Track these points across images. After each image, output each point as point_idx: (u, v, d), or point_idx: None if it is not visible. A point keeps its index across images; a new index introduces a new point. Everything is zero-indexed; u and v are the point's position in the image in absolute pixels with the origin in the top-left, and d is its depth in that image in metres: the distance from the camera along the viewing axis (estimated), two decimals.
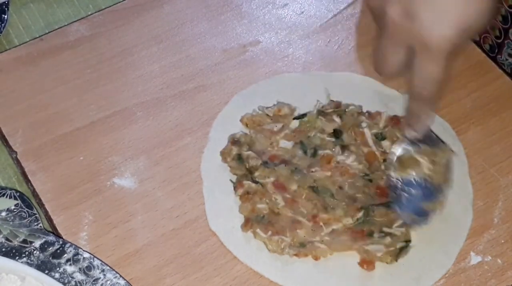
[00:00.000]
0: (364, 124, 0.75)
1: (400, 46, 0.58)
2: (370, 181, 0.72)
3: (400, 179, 0.67)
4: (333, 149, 0.74)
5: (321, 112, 0.76)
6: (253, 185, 0.71)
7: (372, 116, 0.76)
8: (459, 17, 0.55)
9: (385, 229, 0.69)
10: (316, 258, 0.68)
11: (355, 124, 0.75)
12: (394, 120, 0.76)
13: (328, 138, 0.75)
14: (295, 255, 0.68)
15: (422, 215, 0.68)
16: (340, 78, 0.81)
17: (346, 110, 0.77)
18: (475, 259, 0.69)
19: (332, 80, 0.80)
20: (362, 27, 0.86)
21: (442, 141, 0.68)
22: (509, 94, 0.80)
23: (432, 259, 0.69)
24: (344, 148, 0.74)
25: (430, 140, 0.66)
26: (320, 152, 0.74)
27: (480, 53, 0.83)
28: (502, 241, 0.71)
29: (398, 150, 0.67)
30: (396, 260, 0.68)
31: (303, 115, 0.77)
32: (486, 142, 0.77)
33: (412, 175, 0.66)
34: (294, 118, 0.76)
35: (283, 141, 0.75)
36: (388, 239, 0.68)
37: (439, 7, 0.55)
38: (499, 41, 0.86)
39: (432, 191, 0.67)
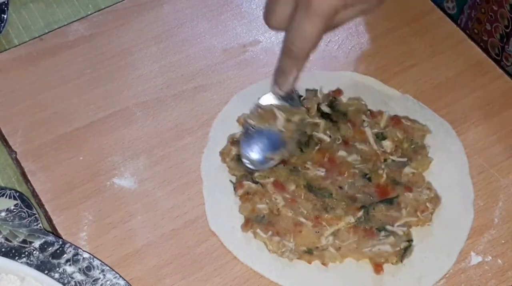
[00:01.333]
0: (365, 124, 0.75)
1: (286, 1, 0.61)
2: (369, 180, 0.72)
3: (254, 126, 0.71)
4: (330, 137, 0.74)
5: (300, 97, 0.77)
6: (253, 185, 0.71)
7: (373, 115, 0.76)
8: None
9: (388, 227, 0.69)
10: (324, 264, 0.68)
11: (353, 114, 0.76)
12: (395, 120, 0.76)
13: (319, 120, 0.75)
14: (298, 258, 0.68)
15: (262, 162, 0.71)
16: (340, 78, 0.81)
17: (344, 100, 0.78)
18: (475, 259, 0.69)
19: (332, 79, 0.80)
20: (363, 27, 0.86)
21: (302, 105, 0.73)
22: (509, 94, 0.80)
23: (433, 259, 0.69)
24: (346, 144, 0.74)
25: (292, 100, 0.70)
26: (316, 135, 0.74)
27: (480, 53, 0.83)
28: (503, 241, 0.70)
29: (262, 100, 0.70)
30: (402, 261, 0.68)
31: None
32: (487, 142, 0.77)
33: (266, 125, 0.70)
34: None
35: None
36: (392, 238, 0.68)
37: None
38: (508, 30, 0.86)
39: (278, 144, 0.71)
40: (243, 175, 0.72)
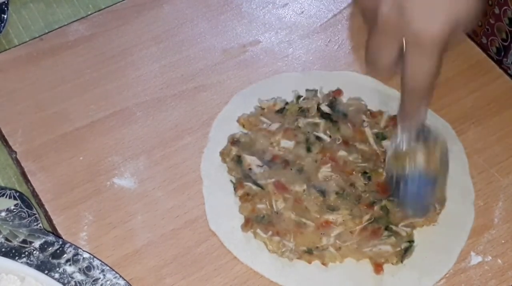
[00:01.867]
0: (365, 124, 0.75)
1: (392, 41, 0.59)
2: (369, 178, 0.72)
3: (398, 174, 0.67)
4: (330, 137, 0.74)
5: (299, 97, 0.77)
6: (254, 186, 0.71)
7: (373, 115, 0.76)
8: (449, 12, 0.57)
9: (393, 227, 0.69)
10: (324, 264, 0.68)
11: (353, 114, 0.76)
12: (395, 120, 0.76)
13: (319, 120, 0.75)
14: (298, 258, 0.68)
15: (423, 207, 0.69)
16: (340, 78, 0.81)
17: (344, 101, 0.77)
18: (475, 259, 0.69)
19: (332, 79, 0.80)
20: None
21: (433, 133, 0.69)
22: (509, 94, 0.80)
23: (434, 259, 0.69)
24: (346, 144, 0.74)
25: (424, 134, 0.67)
26: (317, 135, 0.74)
27: (480, 53, 0.83)
28: (503, 241, 0.70)
29: (393, 146, 0.68)
30: (402, 261, 0.68)
31: (285, 105, 0.77)
32: (487, 142, 0.77)
33: (409, 168, 0.67)
34: (276, 112, 0.76)
35: (285, 141, 0.75)
36: (393, 239, 0.68)
37: (429, 2, 0.57)
38: (506, 43, 0.86)
39: (430, 182, 0.68)
40: (244, 175, 0.72)
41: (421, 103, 0.63)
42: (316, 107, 0.76)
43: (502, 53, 0.85)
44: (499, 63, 0.84)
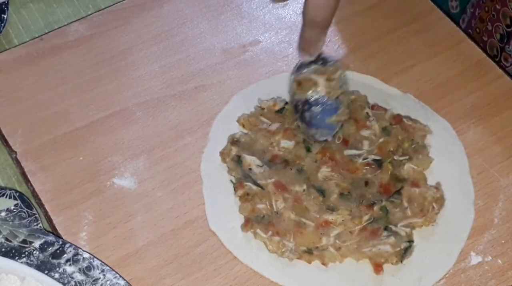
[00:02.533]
0: (371, 118, 0.75)
1: None
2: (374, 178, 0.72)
3: (302, 100, 0.70)
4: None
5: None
6: (254, 187, 0.71)
7: (374, 108, 0.76)
8: None
9: (392, 227, 0.69)
10: (324, 264, 0.68)
11: (355, 110, 0.76)
12: (397, 119, 0.76)
13: None
14: (298, 258, 0.68)
15: (329, 129, 0.72)
16: None
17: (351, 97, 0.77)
18: (475, 259, 0.69)
19: None
20: (363, 26, 0.86)
21: (331, 60, 0.72)
22: (509, 94, 0.80)
23: (434, 259, 0.69)
24: (346, 143, 0.74)
25: (323, 61, 0.70)
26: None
27: (480, 53, 0.83)
28: (503, 241, 0.70)
29: (296, 74, 0.71)
30: (402, 261, 0.68)
31: (285, 105, 0.77)
32: (487, 142, 0.77)
33: (312, 94, 0.70)
34: (276, 112, 0.76)
35: (285, 141, 0.75)
36: (392, 239, 0.68)
37: None
38: (510, 30, 0.85)
39: (333, 106, 0.70)
40: (244, 175, 0.72)
41: (321, 33, 0.67)
42: None
43: (505, 40, 0.84)
44: (501, 50, 0.84)
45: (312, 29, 0.67)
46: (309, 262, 0.68)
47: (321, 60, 0.70)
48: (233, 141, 0.74)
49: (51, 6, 0.88)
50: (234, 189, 0.72)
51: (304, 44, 0.69)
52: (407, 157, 0.73)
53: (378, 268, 0.68)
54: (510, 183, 0.74)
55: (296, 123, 0.75)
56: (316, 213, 0.70)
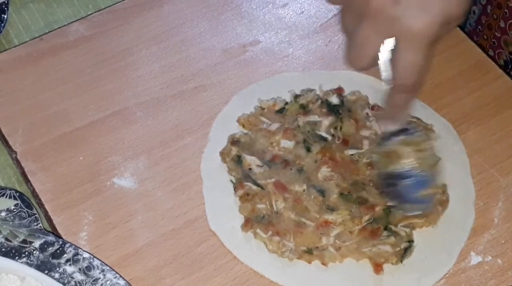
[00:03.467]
0: (371, 118, 0.75)
1: (382, 35, 0.58)
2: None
3: (390, 172, 0.67)
4: (333, 136, 0.74)
5: (297, 96, 0.77)
6: (254, 187, 0.71)
7: (376, 109, 0.76)
8: (442, 5, 0.57)
9: (392, 227, 0.69)
10: (324, 264, 0.68)
11: (356, 110, 0.76)
12: None
13: (320, 119, 0.75)
14: (298, 258, 0.68)
15: (422, 203, 0.68)
16: (340, 77, 0.80)
17: (349, 96, 0.77)
18: (475, 259, 0.69)
19: (333, 79, 0.80)
20: None
21: (416, 130, 0.68)
22: (509, 94, 0.80)
23: (434, 259, 0.69)
24: (346, 143, 0.74)
25: (410, 130, 0.66)
26: (318, 133, 0.74)
27: (480, 53, 0.83)
28: (503, 241, 0.71)
29: (381, 146, 0.67)
30: (402, 261, 0.68)
31: (285, 105, 0.77)
32: (486, 142, 0.77)
33: (400, 167, 0.66)
34: (276, 112, 0.76)
35: (284, 141, 0.75)
36: (392, 239, 0.68)
37: None
38: None
39: (424, 178, 0.67)
40: (244, 175, 0.72)
41: (410, 99, 0.62)
42: (318, 104, 0.76)
43: (510, 66, 0.85)
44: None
45: (401, 93, 0.61)
46: (309, 262, 0.68)
47: (405, 130, 0.65)
48: (233, 141, 0.74)
49: (51, 6, 0.88)
50: (234, 189, 0.72)
51: (391, 111, 0.63)
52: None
53: (378, 268, 0.68)
54: (510, 183, 0.74)
55: (296, 123, 0.75)
56: (316, 213, 0.70)
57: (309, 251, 0.68)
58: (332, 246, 0.68)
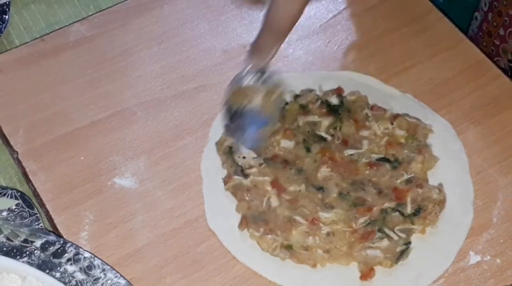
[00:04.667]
0: (370, 119, 0.75)
1: None
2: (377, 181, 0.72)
3: (236, 108, 0.70)
4: (332, 136, 0.74)
5: (297, 96, 0.77)
6: (244, 180, 0.71)
7: (374, 109, 0.76)
8: None
9: (386, 230, 0.69)
10: (314, 266, 0.68)
11: (356, 110, 0.76)
12: (397, 118, 0.76)
13: (319, 119, 0.75)
14: (289, 258, 0.68)
15: (258, 141, 0.73)
16: (340, 77, 0.81)
17: (348, 96, 0.78)
18: (474, 258, 0.69)
19: (332, 79, 0.80)
20: (362, 27, 0.86)
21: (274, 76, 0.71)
22: (508, 94, 0.80)
23: (431, 259, 0.69)
24: (346, 143, 0.74)
25: (266, 77, 0.69)
26: (318, 134, 0.74)
27: (479, 53, 0.84)
28: (501, 241, 0.71)
29: (236, 80, 0.70)
30: (396, 263, 0.68)
31: (285, 105, 0.77)
32: (486, 142, 0.77)
33: (247, 104, 0.70)
34: None
35: (284, 141, 0.75)
36: (386, 242, 0.68)
37: None
38: None
39: (265, 119, 0.71)
40: (234, 167, 0.72)
41: (278, 42, 0.67)
42: (318, 104, 0.76)
43: (509, 73, 0.85)
44: None
45: (270, 36, 0.67)
46: (301, 263, 0.68)
47: (265, 73, 0.69)
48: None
49: (52, 7, 0.88)
50: (224, 183, 0.72)
51: (257, 49, 0.68)
52: (413, 155, 0.73)
53: (368, 273, 0.67)
54: (509, 183, 0.74)
55: (296, 123, 0.75)
56: (310, 211, 0.70)
57: (299, 249, 0.68)
58: (324, 246, 0.68)
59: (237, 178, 0.71)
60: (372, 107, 0.77)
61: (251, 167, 0.72)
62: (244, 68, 0.69)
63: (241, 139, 0.72)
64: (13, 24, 0.86)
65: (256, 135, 0.72)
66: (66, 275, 0.65)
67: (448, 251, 0.70)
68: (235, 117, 0.71)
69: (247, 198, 0.70)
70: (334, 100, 0.77)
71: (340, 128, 0.75)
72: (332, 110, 0.76)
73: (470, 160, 0.75)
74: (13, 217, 0.69)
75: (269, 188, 0.71)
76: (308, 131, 0.75)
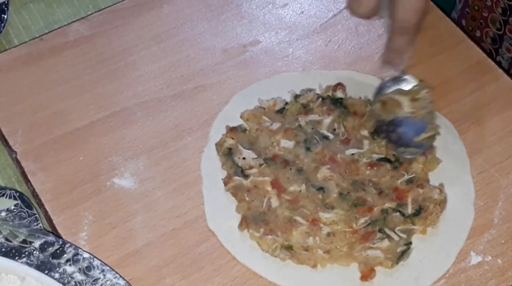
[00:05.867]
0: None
1: None
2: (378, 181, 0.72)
3: (387, 121, 0.70)
4: (334, 130, 0.74)
5: (298, 96, 0.77)
6: (244, 181, 0.71)
7: None
8: None
9: (387, 231, 0.69)
10: (314, 266, 0.68)
11: (358, 106, 0.76)
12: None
13: (321, 117, 0.75)
14: (290, 258, 0.68)
15: (421, 147, 0.72)
16: (340, 77, 0.80)
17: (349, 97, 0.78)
18: (475, 259, 0.69)
19: (333, 78, 0.80)
20: (363, 27, 0.86)
21: (413, 80, 0.71)
22: (509, 94, 0.80)
23: (432, 259, 0.69)
24: (348, 142, 0.74)
25: (406, 79, 0.70)
26: (320, 132, 0.74)
27: (480, 53, 0.83)
28: (503, 241, 0.71)
29: (379, 95, 0.70)
30: (397, 264, 0.68)
31: (285, 105, 0.77)
32: (486, 142, 0.77)
33: (396, 114, 0.70)
34: (276, 112, 0.76)
35: (285, 141, 0.75)
36: (386, 242, 0.68)
37: None
38: (500, 32, 0.86)
39: (419, 125, 0.71)
40: (234, 168, 0.72)
41: (410, 42, 0.65)
42: (319, 103, 0.76)
43: (498, 43, 0.85)
44: (495, 52, 0.84)
45: (401, 36, 0.65)
46: (301, 264, 0.68)
47: (403, 81, 0.69)
48: (231, 129, 0.74)
49: (51, 6, 0.88)
50: (224, 183, 0.72)
51: (391, 55, 0.67)
52: (415, 155, 0.73)
53: (368, 274, 0.67)
54: (510, 183, 0.74)
55: (298, 123, 0.75)
56: (310, 211, 0.69)
57: (299, 249, 0.68)
58: (324, 247, 0.68)
59: (237, 179, 0.71)
60: None
61: (251, 167, 0.72)
62: (379, 84, 0.70)
63: (401, 151, 0.72)
64: (11, 23, 0.86)
65: (418, 142, 0.71)
66: (65, 275, 0.65)
67: (449, 251, 0.69)
68: (391, 128, 0.71)
69: (247, 199, 0.70)
70: (339, 94, 0.77)
71: (344, 124, 0.74)
72: (335, 104, 0.76)
73: (471, 160, 0.75)
74: (12, 218, 0.69)
75: (269, 188, 0.71)
76: (312, 129, 0.74)
